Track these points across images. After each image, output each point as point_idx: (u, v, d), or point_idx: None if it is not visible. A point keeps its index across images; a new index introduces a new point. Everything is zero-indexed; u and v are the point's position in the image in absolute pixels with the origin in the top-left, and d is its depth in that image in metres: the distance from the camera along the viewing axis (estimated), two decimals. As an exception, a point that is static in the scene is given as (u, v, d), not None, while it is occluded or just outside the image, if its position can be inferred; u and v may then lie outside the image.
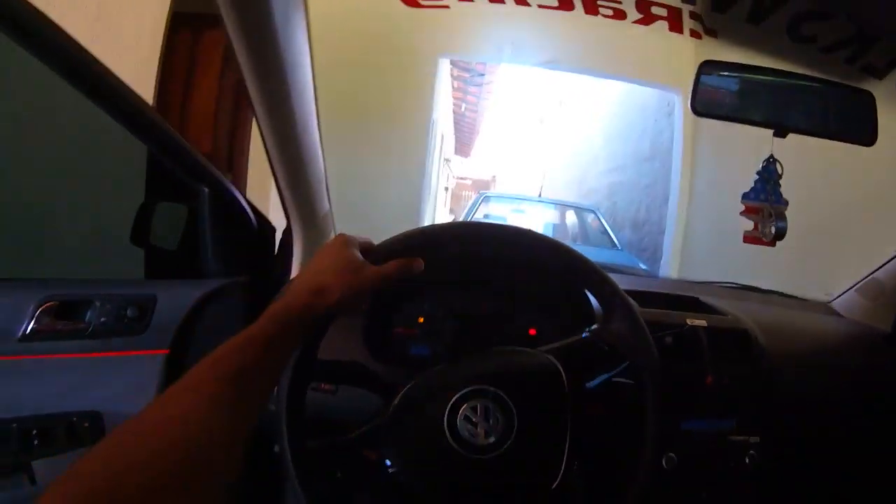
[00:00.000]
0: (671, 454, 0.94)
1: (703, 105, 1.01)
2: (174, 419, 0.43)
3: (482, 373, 0.72)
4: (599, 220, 5.82)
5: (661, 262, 5.65)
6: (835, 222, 3.35)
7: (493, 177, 22.32)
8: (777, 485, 1.05)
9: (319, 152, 1.03)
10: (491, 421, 0.67)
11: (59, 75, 0.76)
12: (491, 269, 1.05)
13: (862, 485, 1.20)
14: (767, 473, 0.99)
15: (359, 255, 0.68)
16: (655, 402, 0.74)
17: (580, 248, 0.81)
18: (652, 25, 4.07)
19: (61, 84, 0.76)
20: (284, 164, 0.97)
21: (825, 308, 1.42)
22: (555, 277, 0.99)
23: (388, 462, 0.68)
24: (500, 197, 7.31)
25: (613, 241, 5.39)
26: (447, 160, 13.84)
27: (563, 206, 6.77)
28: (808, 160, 3.16)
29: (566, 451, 0.69)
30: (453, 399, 0.68)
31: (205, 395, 0.46)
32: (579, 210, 6.38)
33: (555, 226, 6.10)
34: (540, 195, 7.68)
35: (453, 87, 10.33)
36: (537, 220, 5.93)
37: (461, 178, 21.56)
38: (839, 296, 1.41)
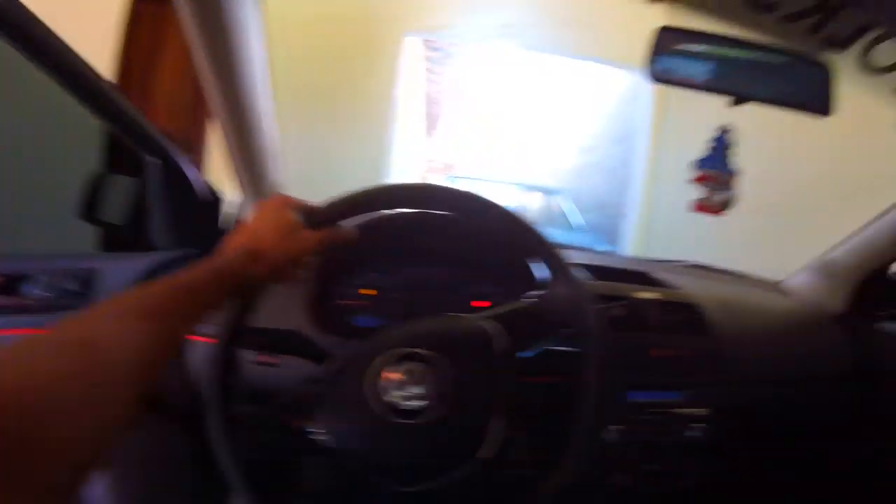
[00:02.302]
0: (617, 427, 0.94)
1: (660, 72, 0.99)
2: (92, 340, 0.43)
3: (415, 336, 0.69)
4: (565, 201, 5.84)
5: (624, 243, 5.73)
6: (791, 205, 3.42)
7: (460, 157, 22.25)
8: (724, 457, 1.06)
9: (273, 122, 0.99)
10: (421, 385, 0.64)
11: (8, 42, 0.73)
12: (440, 238, 1.03)
13: (807, 458, 1.23)
14: (715, 445, 1.00)
15: (297, 217, 0.67)
16: (598, 369, 0.72)
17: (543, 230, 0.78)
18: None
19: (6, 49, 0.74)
20: (235, 133, 0.93)
21: (777, 287, 1.44)
22: (500, 244, 0.97)
23: (317, 430, 0.66)
24: (465, 178, 7.31)
25: (578, 223, 5.43)
26: (413, 141, 13.74)
27: (528, 187, 6.78)
28: (769, 145, 3.22)
29: (501, 419, 0.66)
30: (383, 362, 0.65)
31: (128, 325, 0.47)
32: (545, 192, 6.40)
33: (520, 208, 6.11)
34: (506, 177, 7.70)
35: (422, 67, 10.22)
36: (503, 202, 5.93)
37: (429, 160, 21.45)
38: (793, 276, 1.42)
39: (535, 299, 0.77)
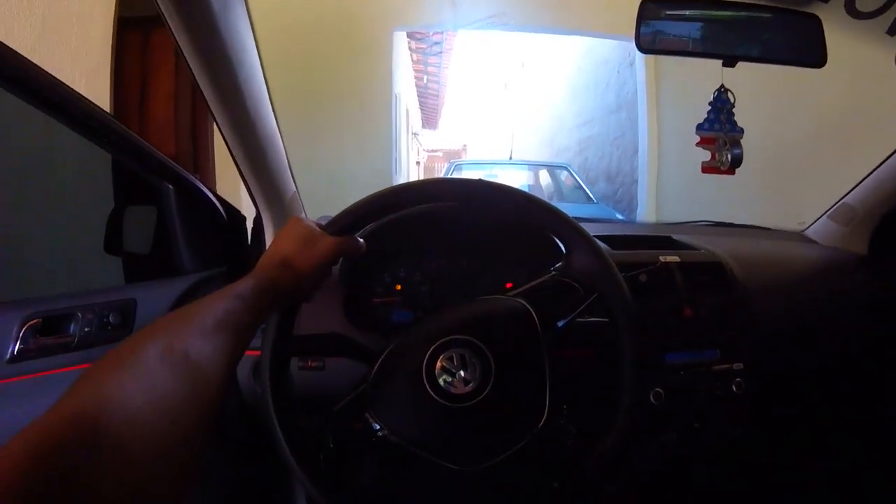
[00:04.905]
0: (658, 389, 0.96)
1: (648, 42, 1.01)
2: (190, 356, 0.43)
3: (454, 323, 0.73)
4: (573, 175, 5.81)
5: (637, 211, 5.71)
6: (802, 151, 3.39)
7: (464, 146, 22.15)
8: (765, 408, 1.07)
9: (278, 137, 1.03)
10: (468, 369, 0.68)
11: (11, 93, 0.75)
12: (463, 229, 1.05)
13: (843, 402, 1.25)
14: (754, 398, 1.01)
15: (314, 227, 0.71)
16: (630, 331, 0.74)
17: (557, 205, 0.80)
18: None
19: (14, 101, 0.76)
20: (245, 153, 0.97)
21: (799, 237, 1.44)
22: (515, 225, 0.98)
23: (375, 426, 0.69)
24: (471, 163, 7.27)
25: (589, 196, 5.40)
26: (415, 134, 13.72)
27: (535, 166, 6.75)
28: (771, 94, 3.19)
29: (547, 390, 0.70)
30: (429, 352, 0.68)
31: (215, 341, 0.47)
32: (552, 168, 6.36)
33: (530, 186, 6.10)
34: (511, 157, 7.63)
35: (413, 60, 10.18)
36: (511, 183, 5.88)
37: (432, 151, 21.40)
38: (812, 224, 1.43)
39: (557, 271, 0.79)
